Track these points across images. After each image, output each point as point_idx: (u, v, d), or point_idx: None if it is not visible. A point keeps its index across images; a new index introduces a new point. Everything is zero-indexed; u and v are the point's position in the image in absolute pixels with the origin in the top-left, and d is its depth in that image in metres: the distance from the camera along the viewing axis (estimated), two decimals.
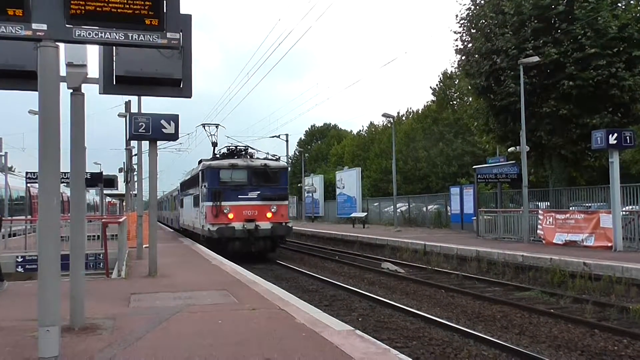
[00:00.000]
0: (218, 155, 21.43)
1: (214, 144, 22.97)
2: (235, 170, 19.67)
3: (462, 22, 22.55)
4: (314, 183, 46.33)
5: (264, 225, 19.26)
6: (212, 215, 19.00)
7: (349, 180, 40.54)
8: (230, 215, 19.05)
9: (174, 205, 32.90)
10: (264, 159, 21.27)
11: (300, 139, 79.51)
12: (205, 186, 19.91)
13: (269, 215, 19.46)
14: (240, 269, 12.31)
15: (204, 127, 24.18)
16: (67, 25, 4.25)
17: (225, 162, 19.97)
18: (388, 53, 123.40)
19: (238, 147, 21.48)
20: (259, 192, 19.44)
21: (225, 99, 72.16)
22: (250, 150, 21.52)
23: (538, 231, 17.84)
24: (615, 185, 14.79)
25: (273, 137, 49.68)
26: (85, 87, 6.26)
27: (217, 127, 23.71)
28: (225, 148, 21.63)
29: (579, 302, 10.36)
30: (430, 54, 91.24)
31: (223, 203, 19.07)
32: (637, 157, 31.81)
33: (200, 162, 22.04)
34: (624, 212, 15.42)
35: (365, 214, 35.42)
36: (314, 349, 5.07)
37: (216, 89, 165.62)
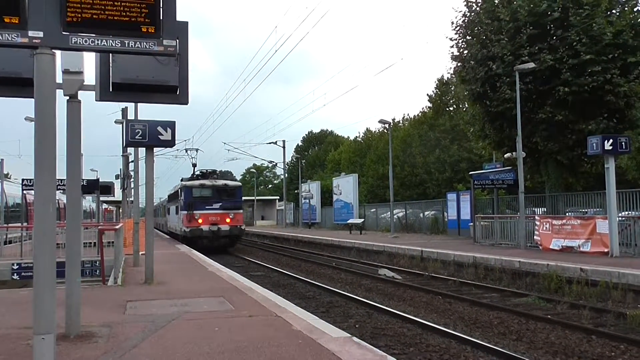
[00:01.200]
0: (195, 176, 29.00)
1: (194, 165, 31.07)
2: (203, 188, 26.72)
3: (457, 28, 22.67)
4: (311, 189, 46.35)
5: (224, 227, 26.02)
6: (187, 220, 25.81)
7: (346, 187, 40.57)
8: (200, 221, 25.79)
9: (164, 212, 38.71)
10: (225, 179, 30.60)
11: (298, 145, 79.76)
12: (182, 200, 26.94)
13: (227, 220, 26.20)
14: (237, 275, 12.29)
15: (186, 151, 32.84)
16: (63, 33, 4.26)
17: (196, 182, 27.24)
18: (384, 59, 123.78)
19: (208, 171, 29.26)
20: (220, 204, 26.38)
21: (223, 105, 72.47)
22: (219, 172, 29.50)
23: (535, 237, 17.86)
24: (611, 190, 14.83)
25: (270, 143, 49.90)
26: (81, 94, 6.27)
27: (197, 151, 32.22)
28: (199, 171, 29.38)
29: (575, 307, 10.36)
30: (427, 61, 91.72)
31: (195, 212, 25.89)
32: (633, 163, 31.89)
33: (181, 180, 29.54)
34: (620, 218, 15.46)
35: (362, 220, 35.41)
36: (311, 356, 5.06)
37: (213, 95, 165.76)
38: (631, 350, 7.42)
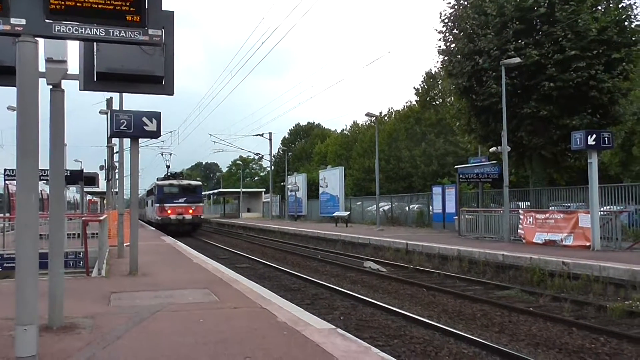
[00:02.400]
0: (166, 176, 37.02)
1: (168, 167, 39.12)
2: (171, 187, 34.54)
3: (445, 21, 22.69)
4: (297, 182, 46.29)
5: (187, 217, 33.91)
6: (159, 211, 33.83)
7: (332, 179, 40.58)
8: (169, 211, 33.51)
9: (144, 204, 44.97)
10: (189, 180, 39.13)
11: (284, 137, 79.57)
12: (155, 195, 35.15)
13: (190, 211, 34.06)
14: (222, 267, 12.27)
15: (162, 154, 40.32)
16: (46, 21, 4.19)
17: (166, 182, 35.10)
18: (372, 52, 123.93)
19: (176, 172, 38.96)
20: (185, 199, 34.17)
21: (209, 96, 72.14)
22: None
23: (518, 231, 18.03)
24: (594, 185, 15.00)
25: (256, 135, 49.76)
26: (65, 83, 6.19)
27: (170, 154, 39.81)
28: (170, 173, 37.75)
29: (557, 300, 10.50)
30: (414, 54, 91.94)
31: (165, 205, 33.66)
32: (616, 159, 32.31)
33: (157, 179, 37.73)
34: (602, 212, 15.66)
35: (348, 213, 35.49)
36: (295, 347, 5.07)
37: (199, 86, 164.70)
38: (611, 342, 7.54)
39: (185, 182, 35.80)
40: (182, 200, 34.01)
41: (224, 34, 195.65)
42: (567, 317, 8.95)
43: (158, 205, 34.00)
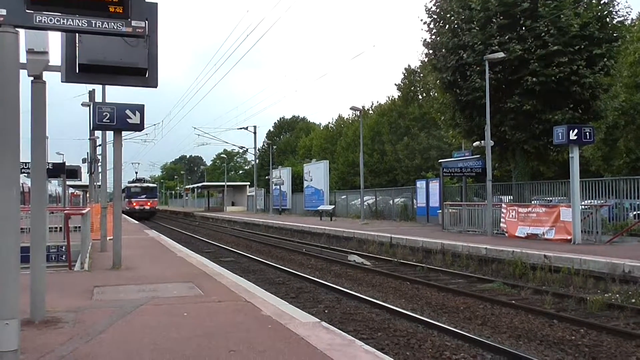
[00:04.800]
0: (134, 180, 53.88)
1: (136, 173, 58.51)
2: (135, 187, 50.91)
3: (430, 13, 22.67)
4: (281, 175, 46.22)
5: (146, 208, 49.85)
6: (128, 204, 47.63)
7: (317, 173, 40.58)
8: (134, 204, 49.03)
9: None
10: (147, 181, 58.38)
11: (269, 131, 79.42)
12: (125, 193, 46.79)
13: (148, 204, 50.16)
14: (206, 261, 12.23)
15: (132, 164, 61.62)
16: (27, 11, 4.12)
17: (132, 184, 51.72)
18: (357, 46, 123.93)
19: (141, 177, 56.53)
20: (145, 196, 50.29)
21: (193, 89, 71.66)
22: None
23: (501, 224, 18.21)
24: (575, 179, 15.19)
25: (241, 128, 49.63)
26: (47, 75, 6.10)
27: (138, 164, 58.53)
28: (136, 178, 54.85)
29: (539, 293, 10.64)
30: (398, 48, 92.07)
31: (131, 199, 49.08)
32: (598, 154, 32.72)
33: (128, 182, 52.93)
34: (583, 206, 15.87)
35: (333, 206, 35.54)
36: (280, 340, 5.09)
37: (184, 80, 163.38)
38: (590, 334, 7.66)
39: (145, 184, 53.26)
40: (143, 196, 50.07)
41: (209, 26, 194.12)
42: (548, 310, 9.07)
43: (127, 199, 48.06)
